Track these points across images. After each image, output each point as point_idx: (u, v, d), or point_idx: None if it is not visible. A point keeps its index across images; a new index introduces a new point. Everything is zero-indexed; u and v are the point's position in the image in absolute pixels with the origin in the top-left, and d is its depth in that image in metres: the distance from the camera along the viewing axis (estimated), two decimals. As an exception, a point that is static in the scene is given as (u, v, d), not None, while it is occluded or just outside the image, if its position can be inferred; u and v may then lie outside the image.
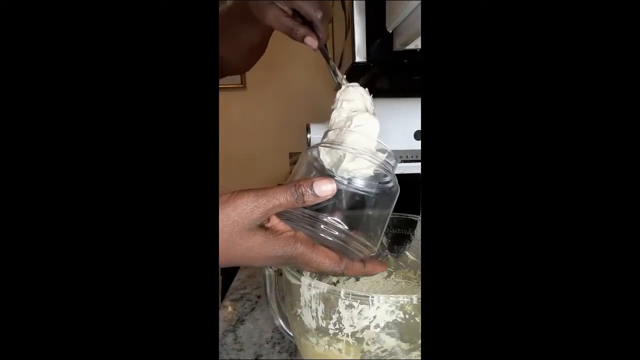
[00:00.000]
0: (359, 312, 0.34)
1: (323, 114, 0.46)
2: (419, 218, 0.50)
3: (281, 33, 0.45)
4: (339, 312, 0.35)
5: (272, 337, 0.57)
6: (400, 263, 0.52)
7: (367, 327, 0.35)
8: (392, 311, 0.34)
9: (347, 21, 0.66)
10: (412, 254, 0.51)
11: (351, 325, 0.35)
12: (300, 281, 0.37)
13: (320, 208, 0.34)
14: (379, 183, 0.36)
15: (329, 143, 0.36)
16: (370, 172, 0.35)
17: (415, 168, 0.64)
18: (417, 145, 0.64)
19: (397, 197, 0.37)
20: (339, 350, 0.37)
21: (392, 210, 0.37)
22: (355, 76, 0.73)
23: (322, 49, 0.44)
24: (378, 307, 0.34)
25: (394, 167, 0.37)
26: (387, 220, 0.38)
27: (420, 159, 0.64)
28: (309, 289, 0.36)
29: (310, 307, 0.37)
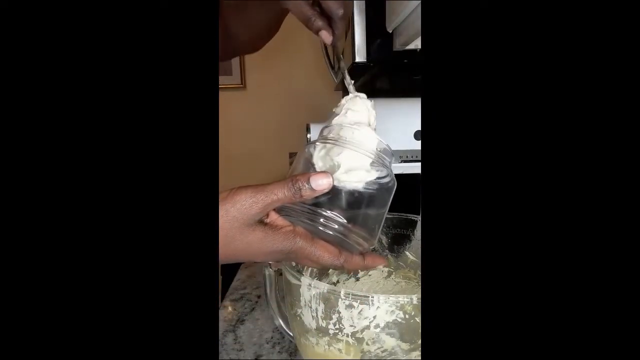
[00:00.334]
0: (359, 312, 0.34)
1: (323, 114, 0.46)
2: (419, 218, 0.50)
3: (283, 33, 0.45)
4: (339, 312, 0.35)
5: (272, 337, 0.57)
6: (400, 263, 0.52)
7: (367, 327, 0.35)
8: (392, 311, 0.34)
9: (347, 21, 0.66)
10: (412, 254, 0.51)
11: (351, 325, 0.35)
12: (300, 281, 0.37)
13: (319, 202, 0.34)
14: (376, 178, 0.36)
15: (326, 139, 0.37)
16: (361, 186, 0.35)
17: (415, 168, 0.64)
18: (417, 145, 0.64)
19: (394, 191, 0.38)
20: (339, 350, 0.37)
21: (389, 204, 0.38)
22: (355, 76, 0.73)
23: (336, 46, 0.44)
24: (378, 307, 0.34)
25: (390, 162, 0.37)
26: (385, 215, 0.38)
27: (420, 159, 0.64)
28: (309, 289, 0.36)
29: (310, 307, 0.37)
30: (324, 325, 0.36)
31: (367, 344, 0.35)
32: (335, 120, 0.39)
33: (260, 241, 0.33)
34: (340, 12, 0.41)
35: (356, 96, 0.40)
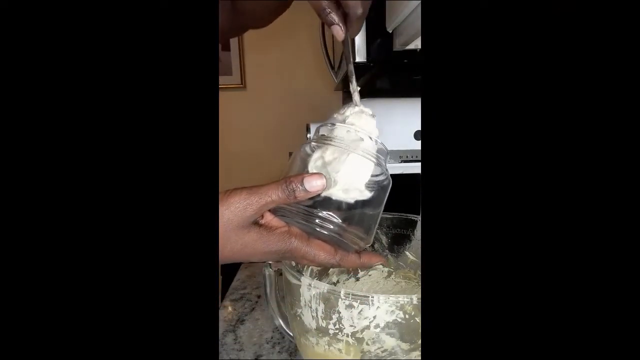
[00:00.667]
0: (359, 312, 0.34)
1: (323, 114, 0.46)
2: (419, 218, 0.50)
3: (283, 32, 0.44)
4: (339, 312, 0.35)
5: (272, 337, 0.57)
6: (400, 263, 0.52)
7: (367, 327, 0.35)
8: (392, 311, 0.34)
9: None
10: (412, 254, 0.51)
11: (351, 325, 0.35)
12: (300, 281, 0.37)
13: (315, 203, 0.35)
14: (371, 177, 0.36)
15: (321, 139, 0.36)
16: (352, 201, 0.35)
17: (415, 168, 0.64)
18: (417, 145, 0.64)
19: (389, 189, 0.38)
20: (339, 350, 0.37)
21: (385, 203, 0.38)
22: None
23: (347, 44, 0.41)
24: (378, 307, 0.34)
25: (385, 161, 0.37)
26: (381, 213, 0.38)
27: (420, 159, 0.64)
28: (309, 289, 0.36)
29: (310, 307, 0.37)
30: (324, 325, 0.36)
31: (367, 344, 0.35)
32: (336, 133, 0.37)
33: (256, 242, 0.34)
34: (360, 11, 0.39)
35: (362, 112, 0.38)
